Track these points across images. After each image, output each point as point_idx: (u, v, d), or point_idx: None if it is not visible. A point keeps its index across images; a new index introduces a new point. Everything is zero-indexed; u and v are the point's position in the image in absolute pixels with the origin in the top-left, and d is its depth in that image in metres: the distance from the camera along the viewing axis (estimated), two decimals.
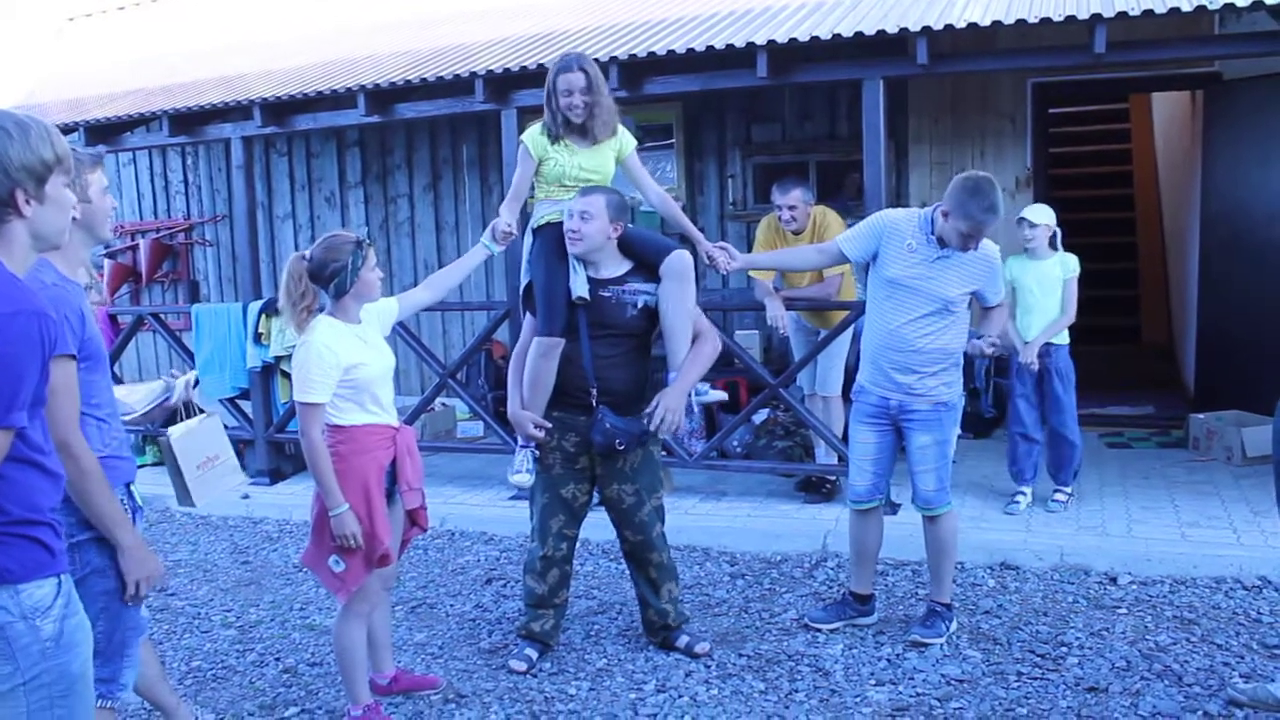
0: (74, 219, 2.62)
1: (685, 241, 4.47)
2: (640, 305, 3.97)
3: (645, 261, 3.98)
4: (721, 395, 4.27)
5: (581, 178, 4.04)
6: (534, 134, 4.10)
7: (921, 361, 4.04)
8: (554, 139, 4.06)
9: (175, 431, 3.53)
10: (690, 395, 3.97)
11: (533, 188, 4.20)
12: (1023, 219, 5.57)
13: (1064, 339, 5.62)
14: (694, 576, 5.08)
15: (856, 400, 4.27)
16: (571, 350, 3.94)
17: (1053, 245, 5.60)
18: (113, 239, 5.23)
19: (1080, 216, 9.23)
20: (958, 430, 4.21)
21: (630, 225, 4.01)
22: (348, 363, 3.38)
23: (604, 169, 4.13)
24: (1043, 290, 5.54)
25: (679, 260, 3.90)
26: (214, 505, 5.72)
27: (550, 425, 4.00)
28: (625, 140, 4.23)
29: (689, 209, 8.01)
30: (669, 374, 3.93)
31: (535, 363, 3.94)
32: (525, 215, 4.29)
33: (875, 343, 4.15)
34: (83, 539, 2.62)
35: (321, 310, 3.50)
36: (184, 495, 3.56)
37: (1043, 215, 5.58)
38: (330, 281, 3.41)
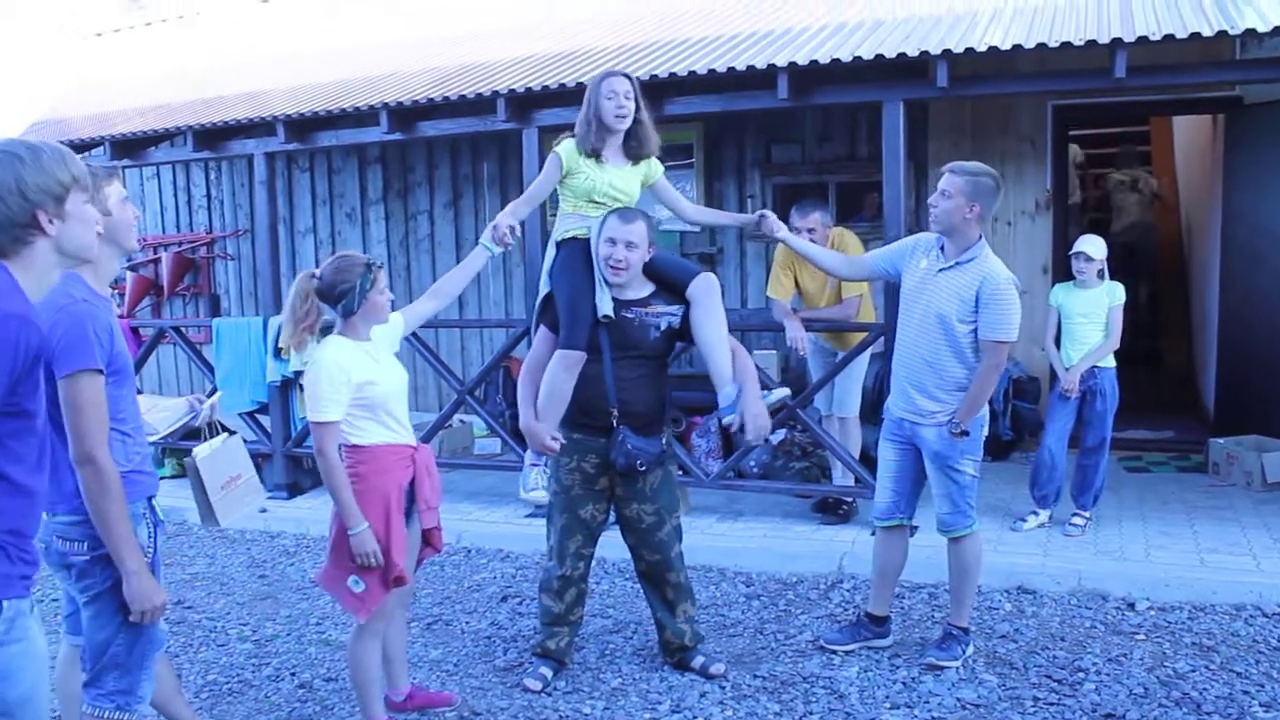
0: (98, 233, 2.68)
1: (706, 262, 4.46)
2: (664, 328, 3.97)
3: (668, 284, 3.99)
4: (786, 391, 4.24)
5: (612, 195, 4.02)
6: (569, 146, 4.05)
7: (929, 378, 4.05)
8: (588, 154, 4.02)
9: (201, 451, 3.55)
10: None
11: (555, 197, 4.19)
12: (1080, 252, 5.62)
13: (1110, 363, 5.66)
14: (710, 597, 5.07)
15: (885, 418, 4.31)
16: (593, 371, 3.93)
17: (1100, 274, 5.65)
18: (138, 249, 5.27)
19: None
20: (975, 455, 4.19)
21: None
22: (359, 379, 3.38)
23: (633, 191, 4.13)
24: (1089, 319, 5.62)
25: (706, 281, 3.94)
26: (232, 520, 5.75)
27: (564, 441, 3.99)
28: (654, 165, 4.24)
29: (708, 230, 8.02)
30: (718, 393, 3.87)
31: (556, 375, 3.92)
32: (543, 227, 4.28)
33: (895, 359, 4.24)
34: (105, 552, 2.64)
35: (328, 330, 3.51)
36: (208, 515, 3.58)
37: (1100, 249, 5.64)
38: (338, 302, 3.43)
